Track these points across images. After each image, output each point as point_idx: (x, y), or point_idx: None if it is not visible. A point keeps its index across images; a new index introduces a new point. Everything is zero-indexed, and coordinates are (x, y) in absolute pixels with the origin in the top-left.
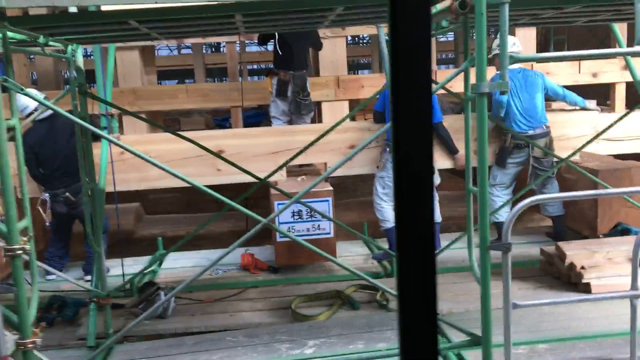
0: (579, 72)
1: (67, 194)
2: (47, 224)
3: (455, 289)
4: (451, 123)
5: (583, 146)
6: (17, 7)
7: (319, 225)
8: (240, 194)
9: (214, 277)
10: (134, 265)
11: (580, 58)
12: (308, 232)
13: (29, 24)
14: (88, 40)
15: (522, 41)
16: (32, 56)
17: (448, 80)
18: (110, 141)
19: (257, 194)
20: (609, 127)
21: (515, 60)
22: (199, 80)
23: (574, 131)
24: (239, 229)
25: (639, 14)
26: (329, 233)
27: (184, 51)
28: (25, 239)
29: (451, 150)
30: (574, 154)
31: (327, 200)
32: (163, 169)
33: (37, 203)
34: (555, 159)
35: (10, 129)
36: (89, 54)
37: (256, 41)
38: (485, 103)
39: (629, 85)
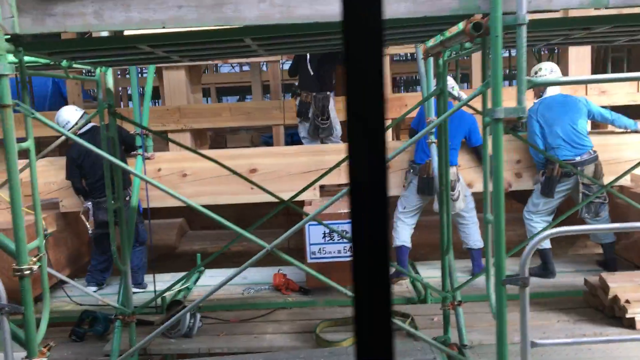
0: (638, 91)
1: (102, 200)
2: (90, 232)
3: (490, 318)
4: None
5: (627, 172)
6: (29, 33)
7: (351, 247)
8: (279, 211)
9: (245, 296)
10: (171, 281)
11: (595, 81)
12: (339, 254)
13: (40, 49)
14: (111, 63)
15: (575, 60)
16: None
17: (463, 103)
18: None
19: (293, 212)
20: None
21: (533, 84)
22: (256, 97)
23: (624, 155)
24: (280, 247)
25: None
26: (346, 257)
27: (245, 68)
28: (34, 259)
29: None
30: (616, 180)
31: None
32: (164, 190)
33: (80, 212)
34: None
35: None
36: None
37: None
38: (500, 129)
39: None
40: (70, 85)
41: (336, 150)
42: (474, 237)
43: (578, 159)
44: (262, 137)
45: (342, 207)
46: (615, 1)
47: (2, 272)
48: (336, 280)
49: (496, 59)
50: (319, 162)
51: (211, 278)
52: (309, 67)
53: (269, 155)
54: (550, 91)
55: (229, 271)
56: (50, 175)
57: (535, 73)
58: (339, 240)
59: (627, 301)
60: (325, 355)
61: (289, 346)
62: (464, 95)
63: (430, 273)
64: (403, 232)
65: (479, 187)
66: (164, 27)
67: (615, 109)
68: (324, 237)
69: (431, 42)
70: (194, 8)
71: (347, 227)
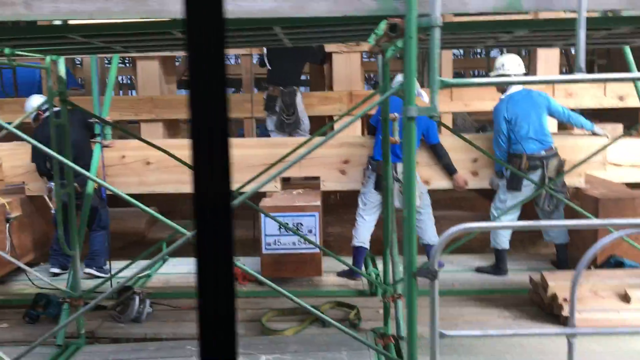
0: (605, 95)
1: (75, 184)
2: (53, 210)
3: (451, 313)
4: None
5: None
6: None
7: (305, 240)
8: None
9: None
10: (134, 268)
11: (512, 83)
12: (294, 246)
13: None
14: (57, 52)
15: (544, 61)
16: (77, 62)
17: (372, 104)
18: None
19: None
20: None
21: (445, 84)
22: (247, 90)
23: (581, 157)
24: (247, 237)
25: (580, 42)
26: (315, 248)
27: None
28: None
29: (450, 171)
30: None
31: (314, 215)
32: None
33: (44, 193)
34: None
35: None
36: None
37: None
38: (413, 127)
39: None
40: (43, 73)
41: (298, 143)
42: (429, 233)
43: (543, 152)
44: (240, 130)
45: (299, 200)
46: (529, 5)
47: None
48: (291, 272)
49: (410, 60)
50: (279, 155)
51: (173, 267)
52: (265, 60)
53: (239, 146)
54: (515, 87)
55: (191, 260)
56: (16, 159)
57: (502, 66)
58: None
59: (565, 299)
60: (264, 344)
61: None
62: (424, 94)
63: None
64: (362, 232)
65: (436, 185)
66: (91, 18)
67: (582, 112)
68: (280, 228)
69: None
70: (121, 0)
71: (302, 220)
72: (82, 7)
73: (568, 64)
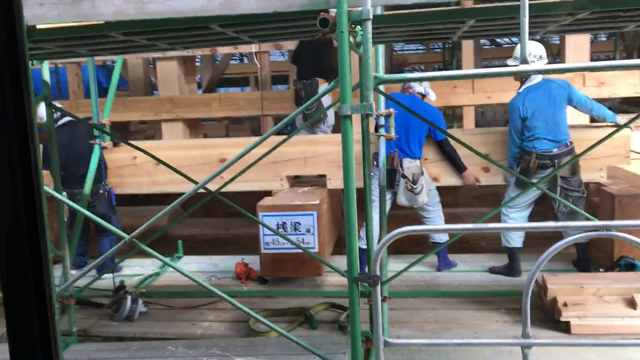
0: None
1: (79, 189)
2: (65, 220)
3: (427, 316)
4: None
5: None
6: None
7: (303, 239)
8: (251, 202)
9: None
10: (151, 265)
11: (482, 76)
12: (292, 245)
13: None
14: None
15: (573, 48)
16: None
17: (321, 95)
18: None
19: (250, 203)
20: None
21: (380, 80)
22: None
23: (602, 150)
24: (245, 235)
25: (524, 31)
26: (314, 247)
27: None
28: None
29: (458, 168)
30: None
31: (312, 215)
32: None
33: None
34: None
35: None
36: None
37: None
38: (349, 125)
39: None
40: (70, 76)
41: (303, 142)
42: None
43: (555, 150)
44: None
45: (298, 198)
46: None
47: None
48: (289, 271)
49: (343, 55)
50: (285, 154)
51: (186, 265)
52: (301, 57)
53: (239, 145)
54: (535, 77)
55: (202, 258)
56: None
57: (516, 58)
58: (292, 231)
59: (565, 304)
60: (243, 345)
61: (219, 334)
62: (432, 93)
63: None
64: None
65: (445, 181)
66: (27, 23)
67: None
68: (277, 227)
69: None
70: (55, 5)
71: (300, 219)
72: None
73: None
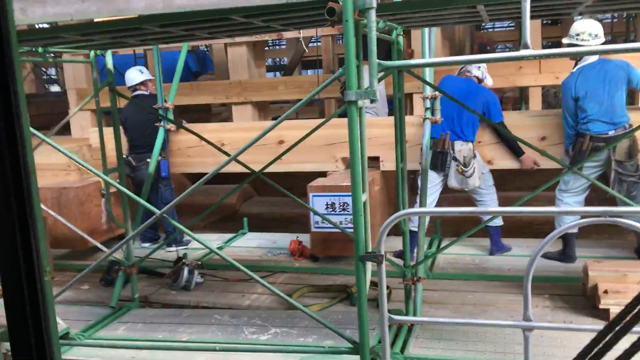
0: None
1: (130, 157)
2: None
3: (467, 298)
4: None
5: None
6: None
7: (351, 220)
8: (305, 182)
9: (263, 258)
10: (217, 240)
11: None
12: (340, 224)
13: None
14: (92, 47)
15: None
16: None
17: (325, 85)
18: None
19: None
20: None
21: (383, 67)
22: (326, 71)
23: None
24: (293, 214)
25: (525, 14)
26: None
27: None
28: None
29: (515, 152)
30: None
31: None
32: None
33: None
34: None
35: None
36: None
37: None
38: (354, 111)
39: None
40: (150, 62)
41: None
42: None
43: (611, 133)
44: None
45: (346, 180)
46: None
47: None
48: (338, 250)
49: (348, 43)
50: (340, 136)
51: (248, 240)
52: None
53: (296, 127)
54: (590, 57)
55: (265, 235)
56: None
57: (577, 35)
58: (340, 211)
59: (606, 291)
60: (282, 317)
61: (264, 306)
62: (489, 77)
63: (455, 249)
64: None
65: (499, 164)
66: (72, 19)
67: None
68: (327, 207)
69: None
70: (94, 2)
71: (348, 200)
72: (65, 10)
73: None
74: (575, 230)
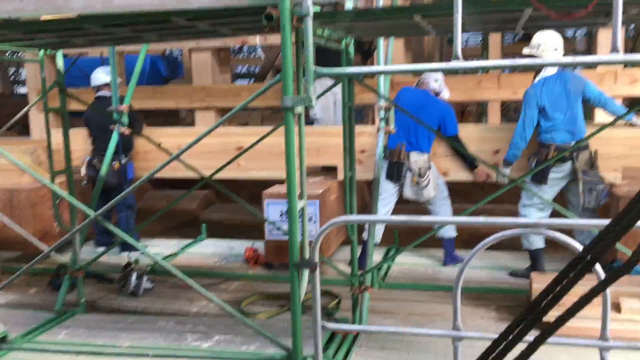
0: None
1: (95, 160)
2: (83, 183)
3: (415, 309)
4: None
5: None
6: None
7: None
8: (261, 189)
9: (216, 265)
10: (174, 246)
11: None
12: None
13: None
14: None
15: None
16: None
17: (259, 93)
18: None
19: (258, 191)
20: None
21: (318, 74)
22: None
23: (618, 150)
24: (251, 222)
25: (457, 26)
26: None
27: None
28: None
29: (469, 164)
30: None
31: (314, 203)
32: None
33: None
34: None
35: None
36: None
37: None
38: (290, 117)
39: None
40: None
41: (316, 133)
42: (445, 226)
43: (573, 143)
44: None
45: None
46: None
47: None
48: None
49: (285, 49)
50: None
51: (205, 247)
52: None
53: (255, 134)
54: (551, 69)
55: (221, 242)
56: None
57: (538, 46)
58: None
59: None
60: (228, 325)
61: (212, 314)
62: (446, 90)
63: (411, 260)
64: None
65: (455, 176)
66: (10, 17)
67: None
68: (281, 215)
69: None
70: (33, 0)
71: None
72: (2, 7)
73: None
74: (542, 244)
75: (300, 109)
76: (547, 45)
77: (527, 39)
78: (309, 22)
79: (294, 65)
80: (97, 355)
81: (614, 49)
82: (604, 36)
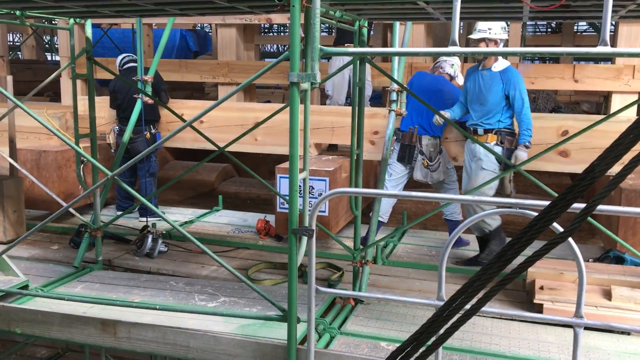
0: None
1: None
2: (112, 150)
3: (414, 285)
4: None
5: None
6: None
7: (314, 202)
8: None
9: (230, 234)
10: (190, 214)
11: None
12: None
13: None
14: (70, 14)
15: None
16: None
17: (268, 68)
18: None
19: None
20: None
21: (325, 52)
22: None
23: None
24: (264, 195)
25: (456, 13)
26: (324, 211)
27: None
28: None
29: None
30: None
31: (324, 180)
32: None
33: (107, 133)
34: None
35: None
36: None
37: None
38: (295, 92)
39: None
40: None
41: (333, 112)
42: (451, 209)
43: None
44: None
45: (315, 165)
46: None
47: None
48: None
49: (293, 27)
50: (315, 122)
51: (219, 217)
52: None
53: (272, 111)
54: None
55: (235, 213)
56: (99, 111)
57: (489, 29)
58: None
59: (542, 287)
60: (234, 288)
61: (221, 278)
62: (460, 76)
63: (417, 240)
64: (384, 204)
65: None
66: None
67: None
68: None
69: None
70: None
71: (313, 183)
72: None
73: None
74: (498, 221)
75: (306, 85)
76: (495, 26)
77: (554, 31)
78: (317, 2)
79: (302, 44)
80: (109, 307)
81: (603, 42)
82: (625, 30)
